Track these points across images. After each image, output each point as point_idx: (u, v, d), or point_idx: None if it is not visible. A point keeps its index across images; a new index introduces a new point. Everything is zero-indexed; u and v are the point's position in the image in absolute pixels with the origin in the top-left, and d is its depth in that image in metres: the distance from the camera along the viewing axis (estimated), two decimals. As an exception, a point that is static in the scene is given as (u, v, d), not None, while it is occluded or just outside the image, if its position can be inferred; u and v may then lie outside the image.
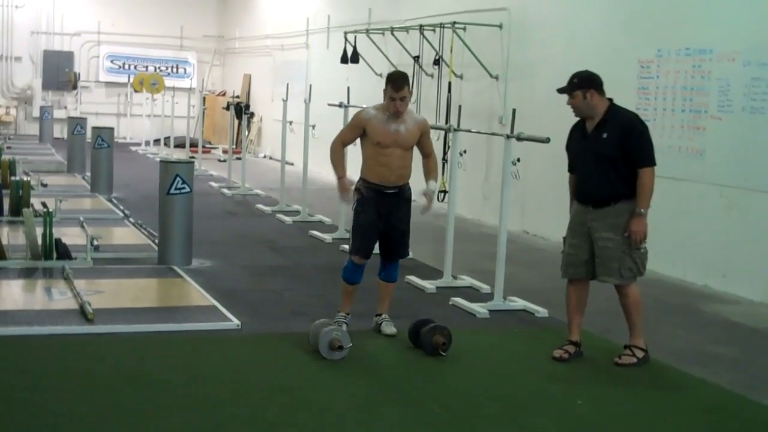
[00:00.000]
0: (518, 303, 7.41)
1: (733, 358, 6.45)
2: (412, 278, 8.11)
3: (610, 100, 5.99)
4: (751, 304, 7.99)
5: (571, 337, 6.15)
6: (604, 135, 5.88)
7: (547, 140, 7.01)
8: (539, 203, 11.13)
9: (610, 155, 5.85)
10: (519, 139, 7.23)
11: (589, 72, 6.13)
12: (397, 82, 6.10)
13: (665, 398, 5.47)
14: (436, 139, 12.63)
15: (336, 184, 6.31)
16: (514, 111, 7.30)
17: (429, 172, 6.41)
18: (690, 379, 5.84)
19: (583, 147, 6.04)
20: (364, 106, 11.30)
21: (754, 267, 8.15)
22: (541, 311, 7.25)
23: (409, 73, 13.74)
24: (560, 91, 6.04)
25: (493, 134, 10.49)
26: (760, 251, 8.10)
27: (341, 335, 5.79)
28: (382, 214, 6.24)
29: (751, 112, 8.17)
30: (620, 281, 5.94)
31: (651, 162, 5.85)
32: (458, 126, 8.43)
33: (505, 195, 7.36)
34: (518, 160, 10.64)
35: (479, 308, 7.21)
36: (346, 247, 7.17)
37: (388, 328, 6.35)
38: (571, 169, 6.23)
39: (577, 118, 6.09)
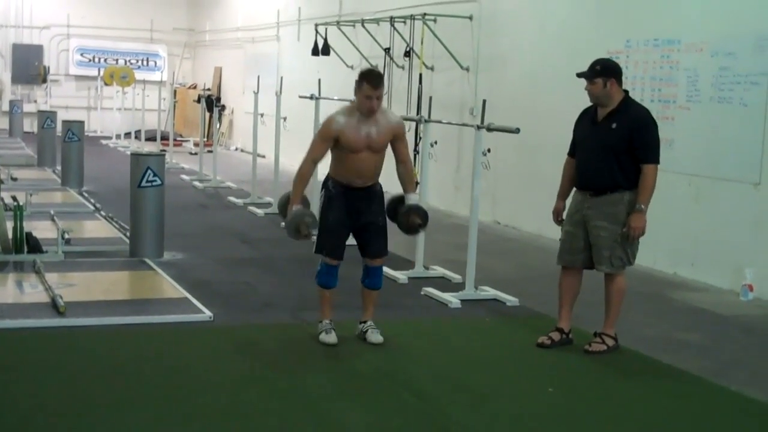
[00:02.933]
0: (489, 292, 7.46)
1: (701, 345, 6.53)
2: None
3: (626, 91, 6.01)
4: (720, 292, 8.09)
5: (558, 324, 6.19)
6: (614, 125, 5.88)
7: (517, 131, 7.06)
8: (510, 193, 11.19)
9: (615, 146, 5.85)
10: (489, 129, 7.26)
11: (611, 60, 6.19)
12: (374, 80, 5.80)
13: (634, 385, 5.53)
14: (407, 130, 12.67)
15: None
16: (484, 102, 7.34)
17: (405, 183, 6.10)
18: (659, 365, 5.91)
19: (590, 134, 6.03)
20: (335, 98, 11.26)
21: (722, 255, 8.24)
22: (512, 300, 7.30)
23: (380, 66, 13.80)
24: (580, 75, 6.01)
25: (463, 125, 10.50)
26: (728, 240, 8.20)
27: (311, 222, 5.79)
28: (351, 212, 5.96)
29: (718, 101, 8.25)
30: (610, 269, 5.97)
31: (656, 159, 5.86)
32: (429, 117, 8.45)
33: (476, 185, 7.40)
34: (489, 150, 10.70)
35: (451, 298, 7.25)
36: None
37: (374, 336, 6.02)
38: (571, 153, 6.22)
39: (590, 104, 6.07)
